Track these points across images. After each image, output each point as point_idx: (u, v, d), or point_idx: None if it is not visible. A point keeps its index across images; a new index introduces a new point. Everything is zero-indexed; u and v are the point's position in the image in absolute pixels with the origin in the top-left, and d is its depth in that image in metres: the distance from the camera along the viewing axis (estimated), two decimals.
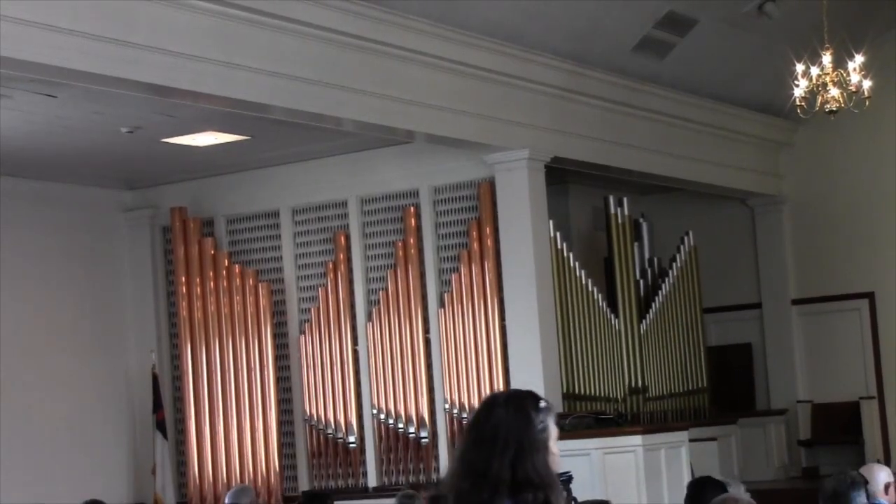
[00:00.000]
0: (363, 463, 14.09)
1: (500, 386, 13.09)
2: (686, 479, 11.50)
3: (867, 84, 11.88)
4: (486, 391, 13.18)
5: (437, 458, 13.67)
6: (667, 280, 15.23)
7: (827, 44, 12.04)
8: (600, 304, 14.03)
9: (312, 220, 14.52)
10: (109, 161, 13.95)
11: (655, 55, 13.92)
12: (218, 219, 14.96)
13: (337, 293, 14.17)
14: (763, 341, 16.88)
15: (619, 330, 14.30)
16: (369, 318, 14.05)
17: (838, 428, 16.07)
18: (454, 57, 11.87)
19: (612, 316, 14.20)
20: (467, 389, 13.34)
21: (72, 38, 8.89)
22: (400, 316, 13.78)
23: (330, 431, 14.13)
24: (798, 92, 11.91)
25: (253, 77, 10.22)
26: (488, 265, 13.23)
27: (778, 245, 16.81)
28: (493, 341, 13.18)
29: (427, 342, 13.70)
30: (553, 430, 3.58)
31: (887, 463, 12.94)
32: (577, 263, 13.70)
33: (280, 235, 14.66)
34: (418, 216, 13.79)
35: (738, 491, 6.65)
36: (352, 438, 14.05)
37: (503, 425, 3.48)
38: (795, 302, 16.68)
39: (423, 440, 13.67)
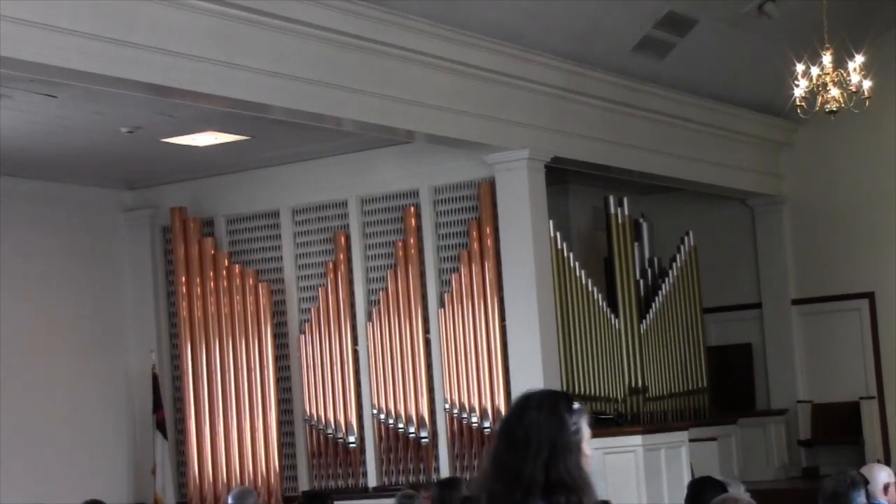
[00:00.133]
0: (363, 463, 14.09)
1: (500, 386, 13.09)
2: (686, 479, 11.51)
3: (867, 84, 11.88)
4: (486, 391, 13.19)
5: (437, 458, 13.67)
6: (667, 280, 15.24)
7: (827, 44, 12.04)
8: (600, 304, 14.03)
9: (312, 220, 14.52)
10: (109, 161, 13.95)
11: (655, 55, 13.92)
12: (218, 219, 14.96)
13: (337, 293, 14.17)
14: (763, 341, 16.88)
15: (619, 330, 14.30)
16: (369, 318, 14.06)
17: (838, 428, 16.07)
18: (454, 57, 11.87)
19: (612, 316, 14.20)
20: (467, 389, 13.34)
21: (72, 38, 8.89)
22: (400, 316, 13.78)
23: (330, 431, 14.13)
24: (798, 92, 11.91)
25: (253, 77, 10.22)
26: (488, 265, 13.23)
27: (778, 245, 16.81)
28: (493, 341, 13.18)
29: (427, 342, 13.70)
30: (586, 432, 3.57)
31: (887, 463, 12.94)
32: (577, 263, 13.70)
33: (280, 235, 14.66)
34: (418, 216, 13.79)
35: (738, 491, 6.65)
36: (352, 438, 14.05)
37: (536, 427, 3.48)
38: (795, 302, 16.68)
39: (423, 440, 13.67)
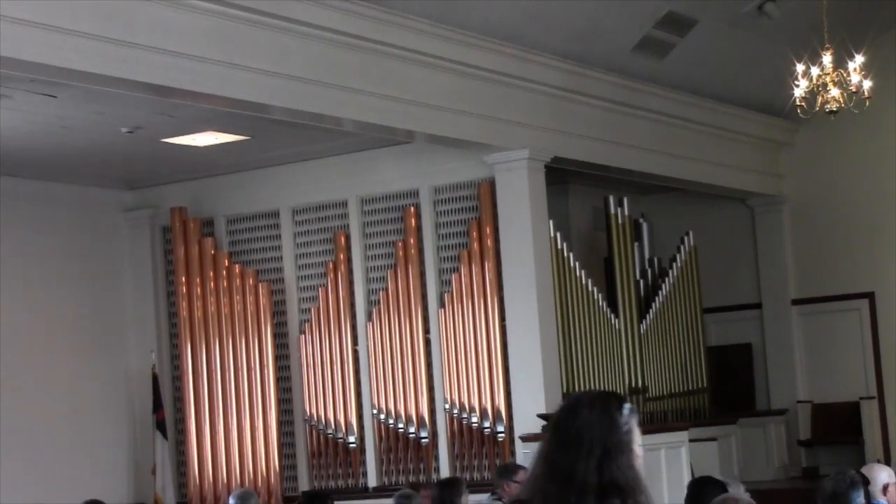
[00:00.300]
0: (363, 463, 14.09)
1: (500, 386, 13.10)
2: (686, 479, 11.51)
3: (867, 84, 11.87)
4: (486, 391, 13.20)
5: (437, 458, 13.68)
6: (667, 280, 15.24)
7: (827, 44, 12.03)
8: (600, 304, 14.03)
9: (312, 220, 14.52)
10: (109, 161, 13.95)
11: (655, 55, 13.92)
12: (218, 219, 14.97)
13: (337, 293, 14.18)
14: (763, 341, 16.88)
15: (619, 330, 14.30)
16: (369, 317, 14.06)
17: (838, 428, 16.07)
18: (454, 57, 11.87)
19: (612, 316, 14.20)
20: (467, 389, 13.34)
21: (72, 38, 8.89)
22: (400, 316, 13.78)
23: (330, 431, 14.13)
24: (798, 92, 11.91)
25: (253, 77, 10.22)
26: (488, 265, 13.23)
27: (778, 245, 16.81)
28: (493, 341, 13.18)
29: (427, 342, 13.70)
30: (636, 432, 3.54)
31: (887, 463, 12.94)
32: (577, 263, 13.70)
33: (280, 235, 14.66)
34: (418, 216, 13.79)
35: (738, 491, 6.66)
36: (352, 438, 14.05)
37: (588, 426, 3.43)
38: (795, 302, 16.68)
39: (423, 440, 13.67)
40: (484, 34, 12.01)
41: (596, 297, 13.96)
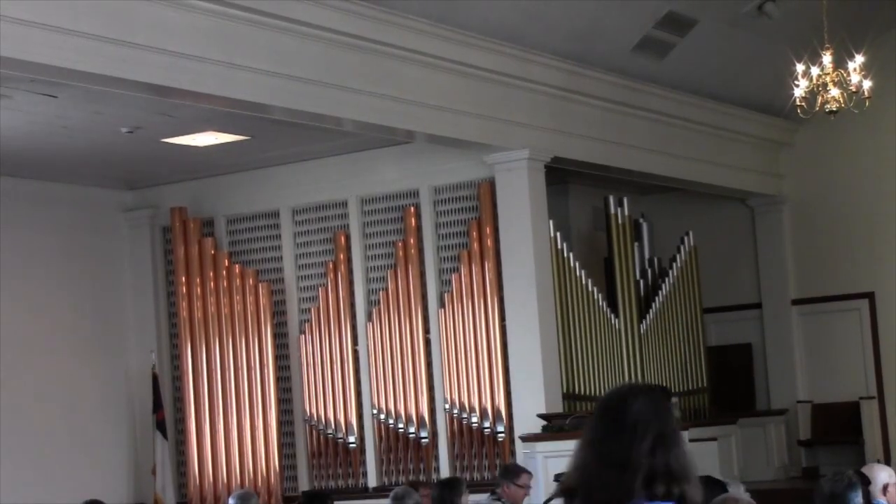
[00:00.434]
0: (363, 463, 14.09)
1: (500, 386, 13.10)
2: None
3: (867, 84, 11.87)
4: (486, 391, 13.20)
5: (437, 457, 13.68)
6: (667, 280, 15.24)
7: (827, 44, 12.03)
8: (600, 304, 14.03)
9: (312, 220, 14.52)
10: (109, 161, 13.95)
11: (655, 55, 13.92)
12: (218, 219, 14.97)
13: (337, 293, 14.18)
14: (763, 341, 16.87)
15: (619, 330, 14.30)
16: (369, 317, 14.06)
17: (838, 428, 16.06)
18: (454, 57, 11.88)
19: (612, 316, 14.20)
20: (467, 389, 13.34)
21: (72, 38, 8.89)
22: (400, 316, 13.78)
23: (330, 431, 14.13)
24: (798, 92, 11.91)
25: (253, 77, 10.22)
26: (488, 265, 13.23)
27: (778, 245, 16.81)
28: (493, 341, 13.18)
29: (427, 342, 13.70)
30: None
31: (887, 463, 12.94)
32: (577, 263, 13.70)
33: (280, 235, 14.66)
34: (418, 216, 13.79)
35: (738, 491, 6.66)
36: (352, 438, 14.05)
37: (643, 415, 3.42)
38: (795, 302, 16.67)
39: (423, 440, 13.67)
40: (484, 34, 12.01)
41: (596, 297, 13.96)
